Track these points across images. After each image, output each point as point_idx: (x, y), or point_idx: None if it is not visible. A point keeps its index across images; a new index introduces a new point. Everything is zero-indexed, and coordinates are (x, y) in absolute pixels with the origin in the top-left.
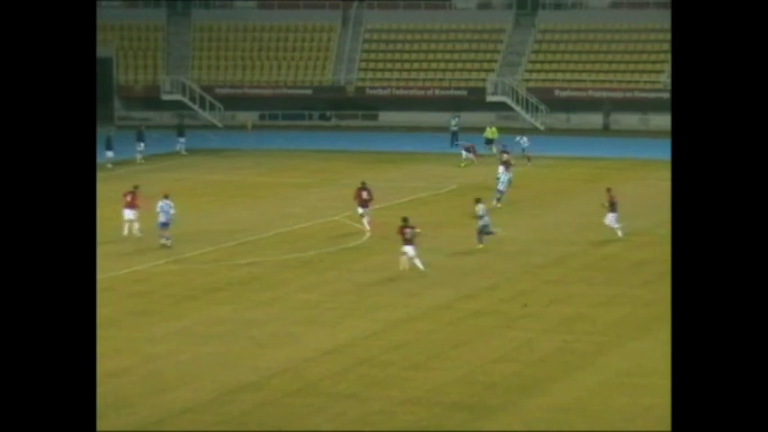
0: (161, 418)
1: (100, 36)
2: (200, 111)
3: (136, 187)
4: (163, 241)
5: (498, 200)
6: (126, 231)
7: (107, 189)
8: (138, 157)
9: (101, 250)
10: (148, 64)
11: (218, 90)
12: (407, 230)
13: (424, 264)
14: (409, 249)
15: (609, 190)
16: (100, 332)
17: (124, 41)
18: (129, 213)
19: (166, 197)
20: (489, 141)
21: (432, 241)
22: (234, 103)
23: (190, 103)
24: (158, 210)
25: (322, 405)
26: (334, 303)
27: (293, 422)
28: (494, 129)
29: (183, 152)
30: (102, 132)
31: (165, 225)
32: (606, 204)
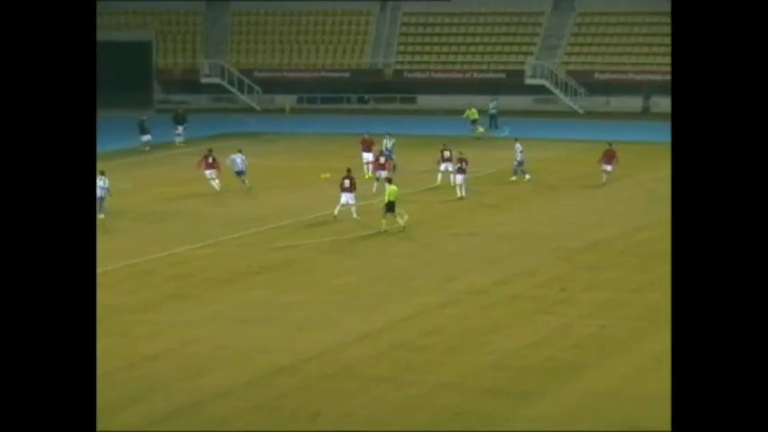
0: (197, 401)
1: (140, 20)
2: (238, 94)
3: (210, 150)
4: (244, 185)
5: (522, 172)
6: (217, 187)
7: (146, 173)
8: (177, 140)
9: (139, 234)
10: (187, 48)
11: (256, 73)
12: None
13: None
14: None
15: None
16: (138, 315)
17: (163, 25)
18: (210, 173)
19: (239, 151)
20: (474, 122)
21: (468, 226)
22: (272, 86)
23: (228, 87)
24: (229, 162)
25: (358, 389)
26: (370, 287)
27: (329, 406)
28: (474, 110)
29: (181, 143)
30: (140, 116)
31: (241, 173)
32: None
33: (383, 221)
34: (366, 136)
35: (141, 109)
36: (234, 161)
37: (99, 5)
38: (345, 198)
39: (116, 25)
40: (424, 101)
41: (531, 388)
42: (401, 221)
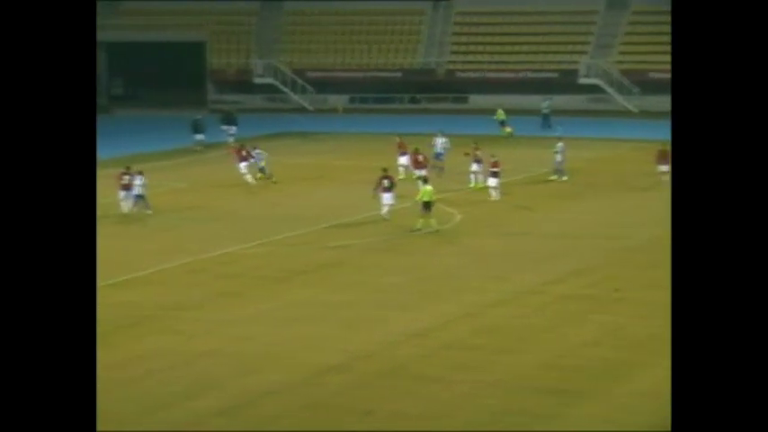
0: (249, 399)
1: (194, 20)
2: (291, 94)
3: (242, 145)
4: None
5: (561, 172)
6: (251, 180)
7: (200, 173)
8: (230, 140)
9: (197, 231)
10: (241, 48)
11: (309, 73)
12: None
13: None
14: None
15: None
16: (191, 313)
17: (218, 26)
18: (242, 167)
19: (255, 148)
20: (502, 123)
21: (521, 225)
22: (325, 86)
23: (281, 87)
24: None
25: (409, 388)
26: (420, 287)
27: (381, 404)
28: (501, 111)
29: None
30: (193, 116)
31: (262, 169)
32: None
33: (419, 221)
34: (399, 139)
35: (195, 109)
36: (257, 157)
37: (155, 6)
38: (386, 198)
39: (171, 26)
40: (476, 100)
41: (583, 388)
42: (434, 223)
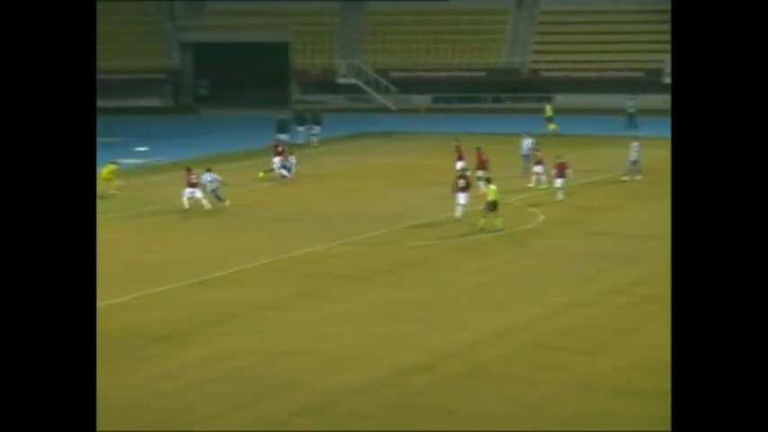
0: (332, 399)
1: (278, 21)
2: (374, 94)
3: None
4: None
5: (636, 171)
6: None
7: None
8: (313, 140)
9: (277, 231)
10: (324, 48)
11: (392, 73)
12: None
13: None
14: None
15: None
16: (273, 312)
17: (301, 26)
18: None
19: (209, 170)
20: (549, 119)
21: (603, 225)
22: (408, 86)
23: (365, 87)
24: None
25: (492, 388)
26: (504, 287)
27: (464, 404)
28: (549, 107)
29: (315, 143)
30: (278, 116)
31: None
32: None
33: (482, 220)
34: (456, 143)
35: (279, 109)
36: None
37: (240, 7)
38: (461, 199)
39: (255, 26)
40: (561, 99)
41: (668, 389)
42: (499, 223)
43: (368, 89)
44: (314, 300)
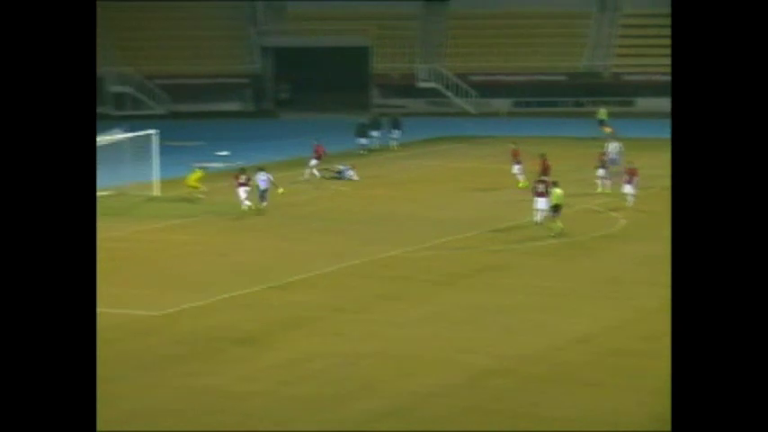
0: (411, 402)
1: (358, 25)
2: (454, 98)
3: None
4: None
5: None
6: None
7: (364, 176)
8: (394, 143)
9: (362, 234)
10: (405, 52)
11: (472, 77)
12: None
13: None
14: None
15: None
16: (354, 315)
17: (381, 30)
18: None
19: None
20: (601, 122)
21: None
22: (488, 90)
23: (444, 91)
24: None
25: (571, 393)
26: (586, 291)
27: (542, 409)
28: (603, 110)
29: (395, 147)
30: (358, 119)
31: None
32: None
33: (551, 225)
34: (514, 146)
35: (359, 113)
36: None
37: (321, 11)
38: (539, 204)
39: (336, 31)
40: (643, 103)
41: None
42: (559, 225)
43: (448, 93)
44: (394, 303)
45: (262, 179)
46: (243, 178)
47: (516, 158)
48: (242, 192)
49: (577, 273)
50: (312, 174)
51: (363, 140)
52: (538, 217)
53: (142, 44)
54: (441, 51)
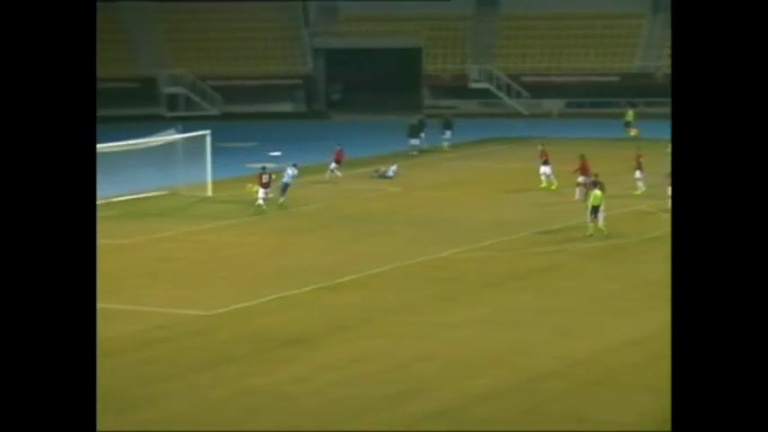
0: (461, 404)
1: (410, 26)
2: (506, 99)
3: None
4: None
5: None
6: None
7: (415, 176)
8: (445, 144)
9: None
10: (456, 53)
11: (524, 78)
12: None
13: None
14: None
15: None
16: (404, 317)
17: (433, 31)
18: (544, 169)
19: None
20: (627, 124)
21: None
22: (540, 90)
23: (496, 92)
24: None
25: (623, 397)
26: (638, 294)
27: (594, 412)
28: (631, 112)
29: (446, 148)
30: (410, 120)
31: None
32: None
33: (590, 226)
34: (541, 147)
35: (410, 113)
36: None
37: (372, 12)
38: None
39: (387, 32)
40: None
41: None
42: (602, 227)
43: (500, 94)
44: (444, 305)
45: (288, 173)
46: (265, 178)
47: (544, 159)
48: (261, 191)
49: (628, 274)
50: (334, 174)
51: (415, 141)
52: (590, 218)
53: (196, 45)
54: (492, 52)
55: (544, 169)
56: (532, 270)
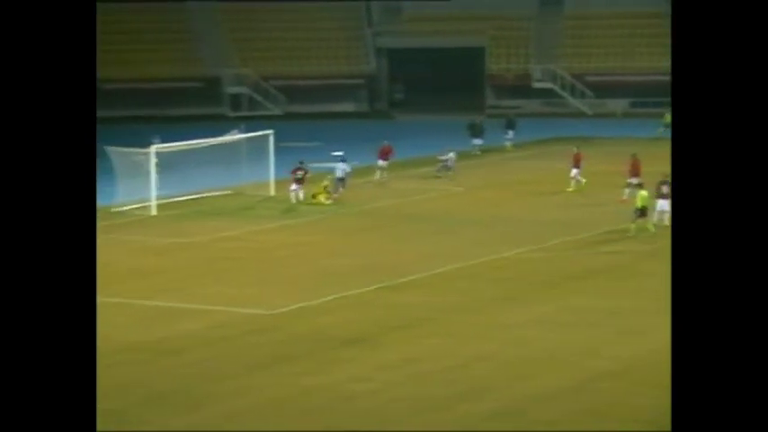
0: (522, 404)
1: (473, 26)
2: (569, 98)
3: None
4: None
5: None
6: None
7: (477, 176)
8: (508, 144)
9: (476, 235)
10: (520, 53)
11: (588, 77)
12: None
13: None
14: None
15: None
16: (465, 316)
17: (497, 31)
18: (574, 171)
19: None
20: (666, 127)
21: None
22: (604, 90)
23: (560, 91)
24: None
25: None
26: None
27: (655, 414)
28: (668, 115)
29: (509, 147)
30: (473, 120)
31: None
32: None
33: (632, 226)
34: (576, 150)
35: (473, 113)
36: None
37: (435, 12)
38: (661, 205)
39: (451, 31)
40: None
41: None
42: (651, 227)
43: (563, 93)
44: (505, 305)
45: (340, 168)
46: (299, 173)
47: (576, 162)
48: (294, 186)
49: None
50: (383, 175)
51: (477, 141)
52: (655, 218)
53: (259, 46)
54: (556, 52)
55: (574, 172)
56: (592, 270)
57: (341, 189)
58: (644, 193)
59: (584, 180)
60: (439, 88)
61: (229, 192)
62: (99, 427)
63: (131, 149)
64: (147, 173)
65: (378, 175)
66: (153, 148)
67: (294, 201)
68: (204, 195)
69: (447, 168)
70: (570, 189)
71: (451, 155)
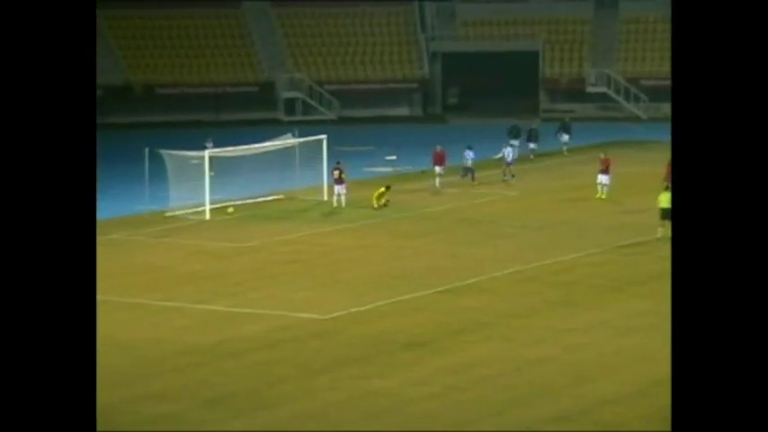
0: (582, 408)
1: (527, 30)
2: (624, 102)
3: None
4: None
5: None
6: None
7: (533, 180)
8: (564, 148)
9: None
10: (574, 57)
11: (643, 82)
12: None
13: None
14: None
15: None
16: (523, 321)
17: (551, 35)
18: (602, 178)
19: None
20: None
21: None
22: (659, 94)
23: (614, 96)
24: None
25: None
26: None
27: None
28: None
29: (566, 151)
30: (528, 124)
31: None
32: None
33: (660, 229)
34: (603, 155)
35: (527, 117)
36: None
37: (490, 16)
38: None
39: (505, 35)
40: None
41: None
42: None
43: (618, 98)
44: (565, 309)
45: (467, 155)
46: (336, 174)
47: (604, 168)
48: (338, 188)
49: None
50: (441, 181)
51: (533, 145)
52: None
53: (313, 50)
54: (611, 56)
55: (602, 178)
56: (651, 275)
57: (470, 176)
58: (669, 194)
59: (606, 186)
60: (493, 92)
61: (282, 196)
62: (159, 428)
63: (185, 152)
64: (201, 177)
65: (437, 182)
66: (206, 153)
67: (336, 204)
68: (259, 200)
69: (508, 165)
70: (602, 196)
71: (508, 149)
